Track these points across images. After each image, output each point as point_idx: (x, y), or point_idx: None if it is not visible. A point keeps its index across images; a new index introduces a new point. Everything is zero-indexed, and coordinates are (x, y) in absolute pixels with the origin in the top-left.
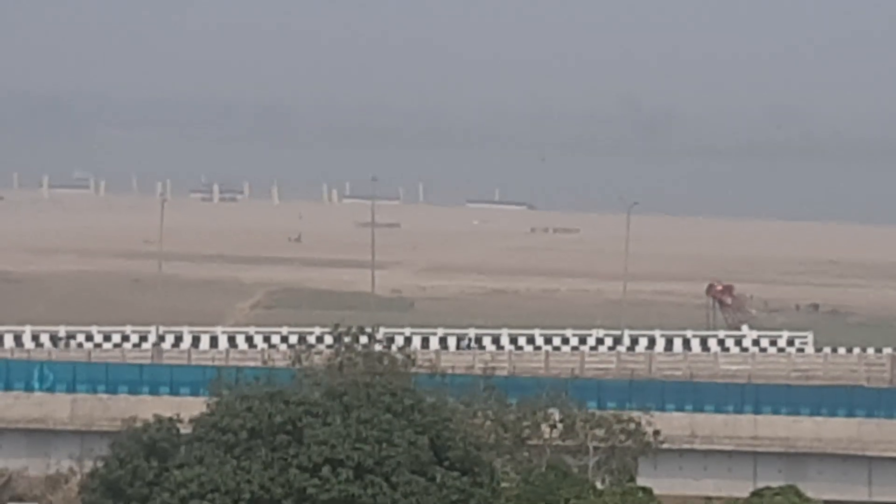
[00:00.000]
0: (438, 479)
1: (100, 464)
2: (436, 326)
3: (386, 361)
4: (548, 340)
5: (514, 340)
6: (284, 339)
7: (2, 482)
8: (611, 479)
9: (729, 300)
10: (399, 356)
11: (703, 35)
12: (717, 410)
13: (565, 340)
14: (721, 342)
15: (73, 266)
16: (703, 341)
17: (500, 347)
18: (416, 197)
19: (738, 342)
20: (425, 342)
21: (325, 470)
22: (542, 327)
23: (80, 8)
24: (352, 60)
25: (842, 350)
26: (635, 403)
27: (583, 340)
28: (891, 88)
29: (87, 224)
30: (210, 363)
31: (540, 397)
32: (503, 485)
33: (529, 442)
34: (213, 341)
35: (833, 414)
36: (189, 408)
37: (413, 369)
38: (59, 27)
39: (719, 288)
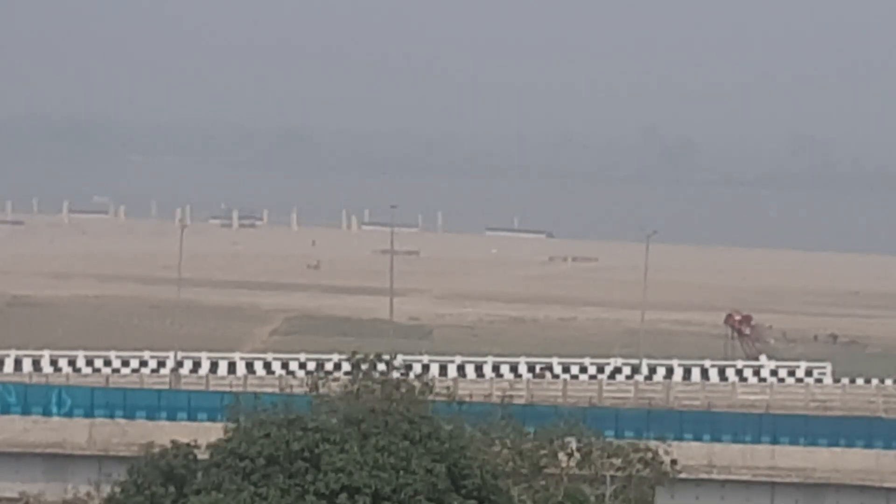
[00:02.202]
0: None
1: (117, 489)
2: (454, 354)
3: (403, 389)
4: (566, 369)
5: (531, 369)
6: (302, 366)
7: None
8: None
9: (747, 330)
10: (416, 384)
11: (724, 64)
12: (735, 440)
13: (583, 369)
14: (739, 372)
15: (91, 291)
16: (721, 371)
17: (517, 376)
18: (435, 224)
19: (757, 372)
20: (443, 370)
21: (342, 497)
22: (561, 356)
23: (101, 34)
24: (372, 87)
25: (860, 381)
26: (653, 433)
27: (601, 369)
28: None
29: (107, 249)
30: (228, 389)
31: (557, 426)
32: None
33: (546, 470)
34: (231, 367)
35: (851, 445)
36: (206, 434)
37: (430, 397)
38: (80, 53)
39: (738, 318)
